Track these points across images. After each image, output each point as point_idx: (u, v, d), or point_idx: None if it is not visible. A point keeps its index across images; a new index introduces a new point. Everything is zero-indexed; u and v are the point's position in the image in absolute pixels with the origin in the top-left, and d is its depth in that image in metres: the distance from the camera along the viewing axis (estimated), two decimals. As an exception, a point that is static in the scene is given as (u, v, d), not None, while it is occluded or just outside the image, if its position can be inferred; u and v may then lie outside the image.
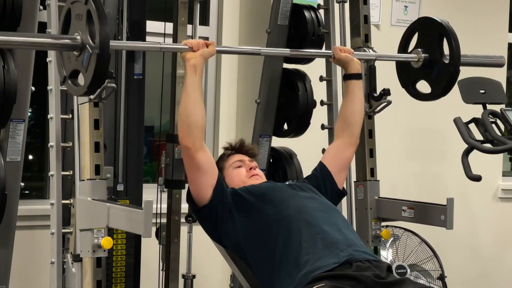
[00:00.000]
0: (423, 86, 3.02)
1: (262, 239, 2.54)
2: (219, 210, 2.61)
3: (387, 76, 3.23)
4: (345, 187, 2.97)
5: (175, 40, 3.09)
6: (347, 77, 2.89)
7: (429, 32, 2.86)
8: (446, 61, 2.80)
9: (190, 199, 2.65)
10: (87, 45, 2.08)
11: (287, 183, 2.87)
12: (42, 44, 2.26)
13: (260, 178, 2.83)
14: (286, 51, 3.11)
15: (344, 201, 3.41)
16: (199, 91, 2.53)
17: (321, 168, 2.85)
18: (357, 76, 2.87)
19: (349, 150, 2.89)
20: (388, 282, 2.34)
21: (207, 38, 4.15)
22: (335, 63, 2.96)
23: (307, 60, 3.50)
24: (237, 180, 2.80)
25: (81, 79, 2.20)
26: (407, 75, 2.97)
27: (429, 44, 2.86)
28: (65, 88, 2.69)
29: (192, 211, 2.74)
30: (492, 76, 3.35)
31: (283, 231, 2.50)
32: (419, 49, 2.89)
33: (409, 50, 3.00)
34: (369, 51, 3.26)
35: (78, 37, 2.11)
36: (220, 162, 2.88)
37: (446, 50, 2.88)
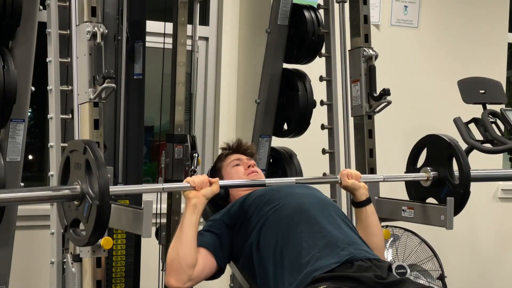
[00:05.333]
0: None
1: (266, 241, 2.53)
2: (232, 253, 2.60)
3: (387, 76, 3.23)
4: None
5: (175, 40, 3.09)
6: (357, 205, 2.78)
7: (438, 151, 2.81)
8: (456, 182, 2.76)
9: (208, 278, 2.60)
10: (87, 195, 2.07)
11: None
12: (42, 198, 2.22)
13: (258, 175, 2.83)
14: (292, 179, 2.87)
15: (344, 201, 3.41)
16: (195, 232, 2.48)
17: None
18: (368, 202, 2.78)
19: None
20: (389, 283, 2.33)
21: (207, 38, 4.16)
22: (343, 189, 2.85)
23: (307, 59, 3.50)
24: (235, 178, 2.79)
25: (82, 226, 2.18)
26: (416, 192, 2.93)
27: (438, 163, 2.81)
28: (65, 88, 2.71)
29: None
30: (492, 76, 3.35)
31: (283, 231, 2.49)
32: (429, 168, 2.84)
33: (418, 165, 2.95)
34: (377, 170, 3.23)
35: (78, 187, 2.10)
36: (218, 162, 2.88)
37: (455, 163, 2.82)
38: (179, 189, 2.61)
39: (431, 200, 2.90)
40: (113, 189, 2.24)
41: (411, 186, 2.96)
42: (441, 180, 2.79)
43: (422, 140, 2.91)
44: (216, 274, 2.57)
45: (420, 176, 2.85)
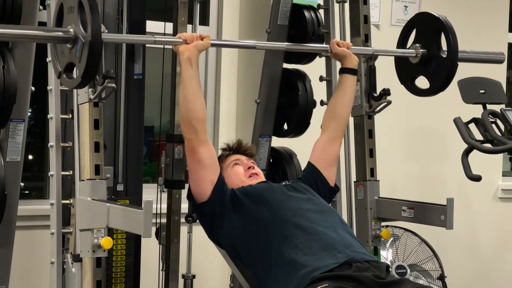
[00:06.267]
0: (422, 83, 3.02)
1: (258, 240, 2.54)
2: (218, 208, 2.60)
3: (387, 76, 3.23)
4: (337, 184, 2.98)
5: (175, 40, 3.09)
6: (342, 70, 2.91)
7: (427, 28, 2.86)
8: (444, 56, 2.80)
9: (190, 195, 2.65)
10: (80, 36, 2.07)
11: (284, 183, 2.86)
12: (35, 37, 2.26)
13: (258, 176, 2.83)
14: (282, 45, 3.16)
15: (344, 201, 3.42)
16: (197, 83, 2.52)
17: (310, 168, 2.86)
18: (352, 71, 2.89)
19: (335, 144, 2.90)
20: (388, 282, 2.34)
21: (207, 38, 4.15)
22: (333, 57, 2.97)
23: (307, 59, 3.50)
24: (235, 179, 2.80)
25: (76, 74, 2.20)
26: (406, 71, 2.98)
27: (427, 40, 2.86)
28: (66, 88, 2.71)
29: (192, 207, 2.74)
30: (492, 76, 3.35)
31: (279, 233, 2.50)
32: (417, 45, 2.89)
33: (408, 46, 3.00)
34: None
35: (71, 30, 2.11)
36: (218, 163, 2.88)
37: (444, 45, 2.87)
38: (171, 43, 2.64)
39: (420, 78, 2.92)
40: (106, 36, 2.33)
41: (401, 65, 3.00)
42: (429, 56, 2.86)
43: (412, 19, 2.98)
44: (205, 192, 2.60)
45: (409, 52, 2.89)
